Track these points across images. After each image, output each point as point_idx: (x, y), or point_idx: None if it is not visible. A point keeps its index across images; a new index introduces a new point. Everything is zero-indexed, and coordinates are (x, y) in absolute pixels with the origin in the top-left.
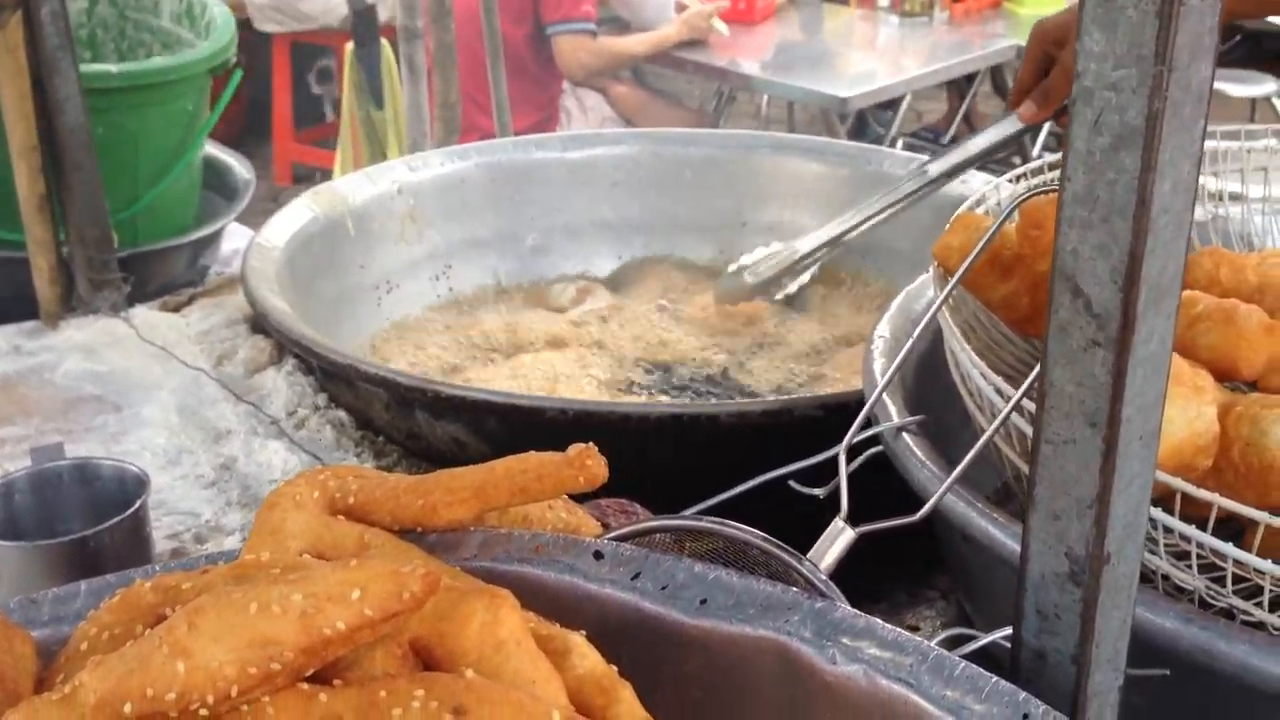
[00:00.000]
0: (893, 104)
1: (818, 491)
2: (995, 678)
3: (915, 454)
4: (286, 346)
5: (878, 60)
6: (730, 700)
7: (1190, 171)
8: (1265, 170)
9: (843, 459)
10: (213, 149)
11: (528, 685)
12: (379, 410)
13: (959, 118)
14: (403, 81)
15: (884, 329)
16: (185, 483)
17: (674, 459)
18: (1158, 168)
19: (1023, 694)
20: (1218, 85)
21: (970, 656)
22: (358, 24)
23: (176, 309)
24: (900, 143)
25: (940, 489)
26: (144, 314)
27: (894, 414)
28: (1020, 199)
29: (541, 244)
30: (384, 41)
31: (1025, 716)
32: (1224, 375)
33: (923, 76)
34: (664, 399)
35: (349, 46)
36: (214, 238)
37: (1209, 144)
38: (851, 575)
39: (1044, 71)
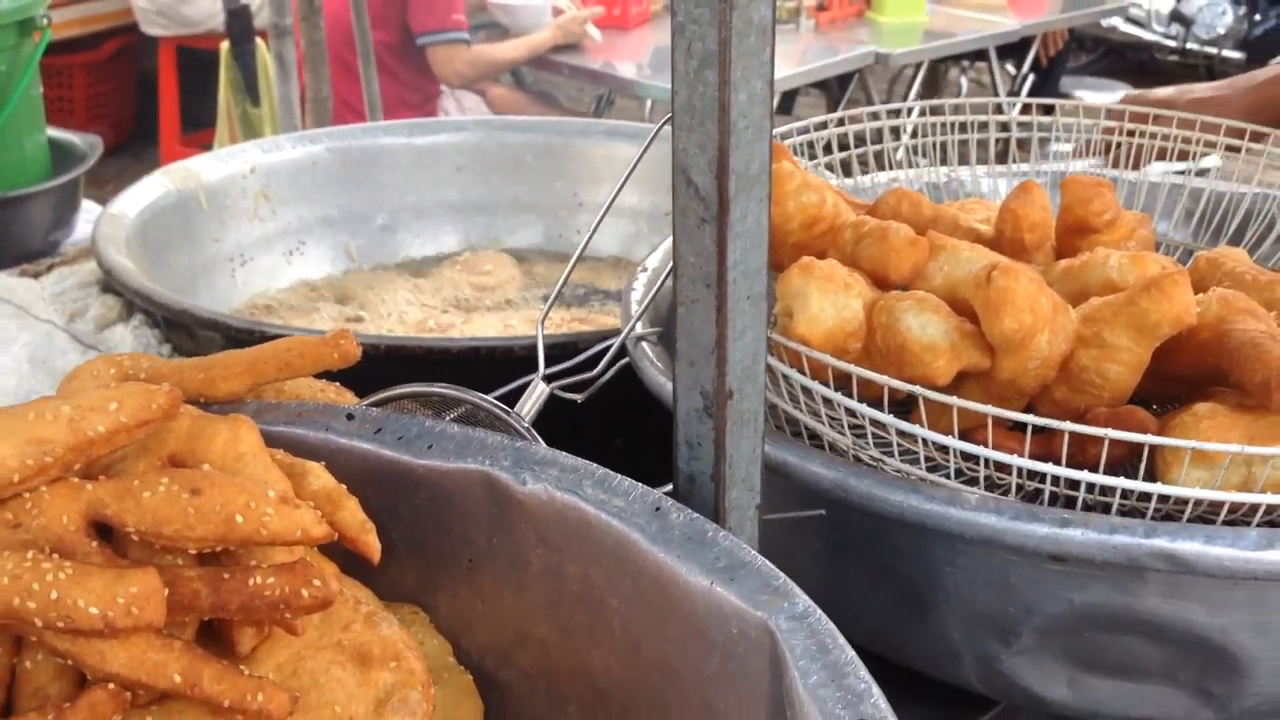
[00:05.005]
0: None
1: (576, 397)
2: (640, 485)
3: (647, 354)
4: (129, 298)
5: None
6: (452, 523)
7: (762, 88)
8: (989, 140)
9: (540, 334)
10: (56, 132)
11: (261, 484)
12: None
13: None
14: (274, 77)
15: (650, 262)
16: None
17: (476, 386)
18: (732, 82)
19: (657, 494)
20: (1078, 92)
21: None
22: (232, 22)
23: (35, 276)
24: None
25: (619, 337)
26: (1, 278)
27: (639, 329)
28: (662, 124)
29: (390, 223)
30: (259, 41)
31: (657, 509)
32: (881, 282)
33: (789, 79)
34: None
35: (224, 45)
36: (69, 197)
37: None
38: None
39: None
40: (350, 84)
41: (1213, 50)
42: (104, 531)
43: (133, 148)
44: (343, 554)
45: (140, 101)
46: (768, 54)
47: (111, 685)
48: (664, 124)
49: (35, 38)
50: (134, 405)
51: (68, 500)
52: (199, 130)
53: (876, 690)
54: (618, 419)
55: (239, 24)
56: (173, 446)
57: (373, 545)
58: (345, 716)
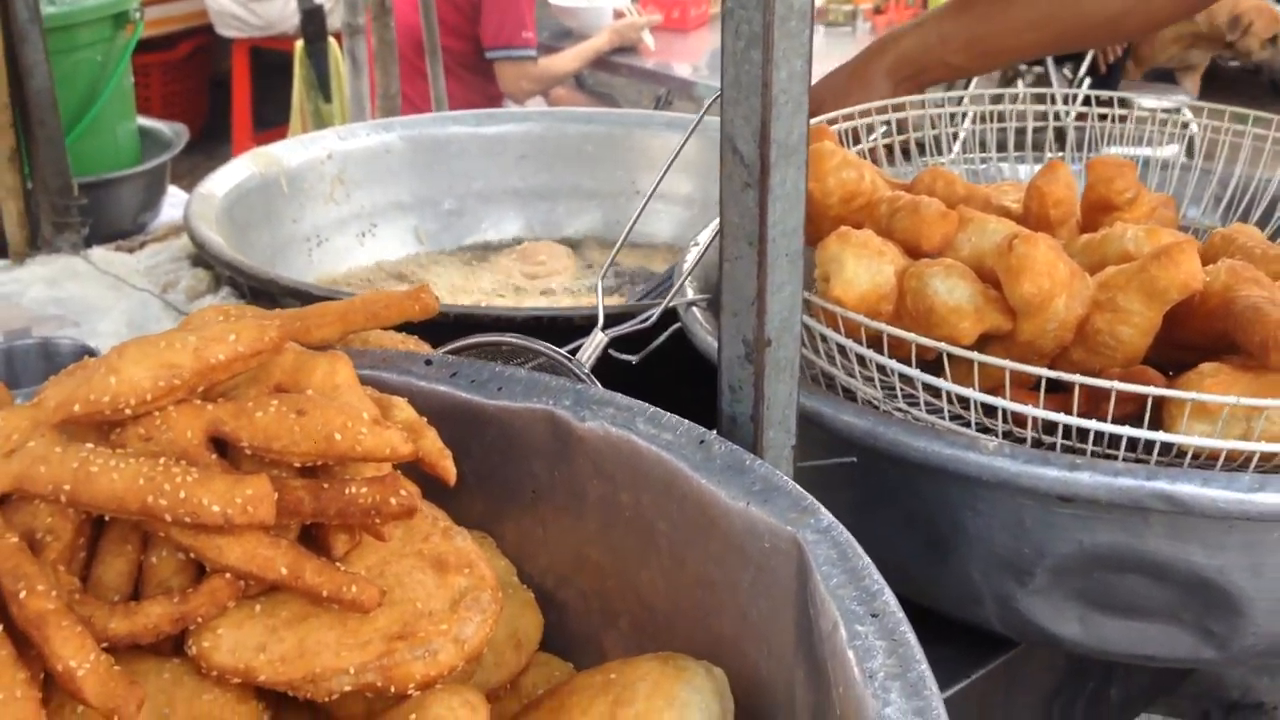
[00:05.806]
0: None
1: (631, 357)
2: (687, 421)
3: (696, 317)
4: (219, 270)
5: None
6: (518, 457)
7: (801, 66)
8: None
9: (600, 286)
10: (145, 121)
11: (357, 408)
12: None
13: None
14: (346, 74)
15: (700, 237)
16: None
17: None
18: (774, 61)
19: (702, 429)
20: (1134, 96)
21: None
22: (306, 22)
23: (130, 251)
24: None
25: (670, 296)
26: (100, 253)
27: (689, 294)
28: (711, 101)
29: (457, 208)
30: (332, 40)
31: (702, 442)
32: (913, 251)
33: None
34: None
35: (298, 44)
36: (157, 181)
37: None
38: None
39: None
40: (416, 84)
41: None
42: (220, 447)
43: (205, 145)
44: (420, 482)
45: (212, 100)
46: (807, 36)
47: (228, 575)
48: (706, 110)
49: (128, 31)
50: (250, 337)
51: (191, 418)
52: (269, 129)
53: (888, 591)
54: (660, 388)
55: (313, 23)
56: (278, 377)
57: (450, 469)
58: (425, 611)
